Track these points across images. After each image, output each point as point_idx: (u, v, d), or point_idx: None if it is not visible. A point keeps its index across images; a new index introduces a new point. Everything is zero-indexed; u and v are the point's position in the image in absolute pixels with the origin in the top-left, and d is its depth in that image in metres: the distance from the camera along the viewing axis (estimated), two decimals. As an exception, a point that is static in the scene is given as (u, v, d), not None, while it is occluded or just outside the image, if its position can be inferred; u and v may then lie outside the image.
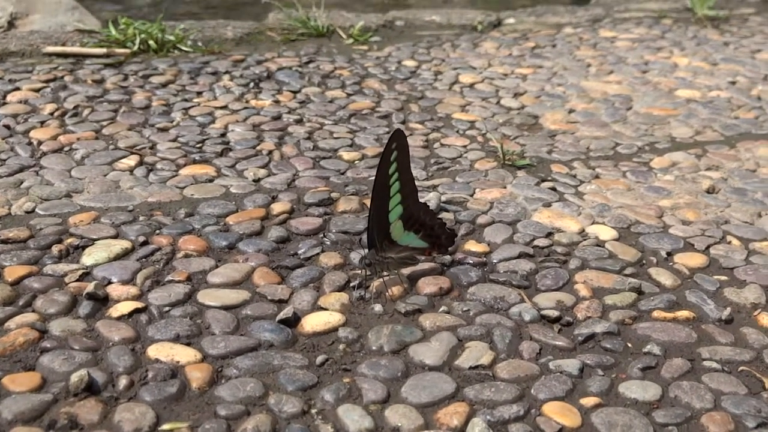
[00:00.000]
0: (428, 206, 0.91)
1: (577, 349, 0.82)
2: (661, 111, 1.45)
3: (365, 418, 0.71)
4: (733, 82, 1.62)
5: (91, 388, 0.73)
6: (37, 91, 1.45)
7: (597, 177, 1.19)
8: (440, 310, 0.87)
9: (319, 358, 0.79)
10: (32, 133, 1.28)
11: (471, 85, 1.57)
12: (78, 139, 1.26)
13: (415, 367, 0.78)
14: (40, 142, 1.25)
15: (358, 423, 0.70)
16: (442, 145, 1.29)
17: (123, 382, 0.74)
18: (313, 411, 0.72)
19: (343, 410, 0.72)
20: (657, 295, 0.90)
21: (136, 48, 1.69)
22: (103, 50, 1.66)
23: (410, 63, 1.70)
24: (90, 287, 0.86)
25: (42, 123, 1.32)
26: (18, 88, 1.45)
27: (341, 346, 0.81)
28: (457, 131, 1.35)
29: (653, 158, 1.26)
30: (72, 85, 1.48)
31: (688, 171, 1.22)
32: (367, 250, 0.88)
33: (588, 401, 0.74)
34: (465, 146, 1.29)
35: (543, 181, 1.16)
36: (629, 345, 0.82)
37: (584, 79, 1.62)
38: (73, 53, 1.66)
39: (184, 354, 0.78)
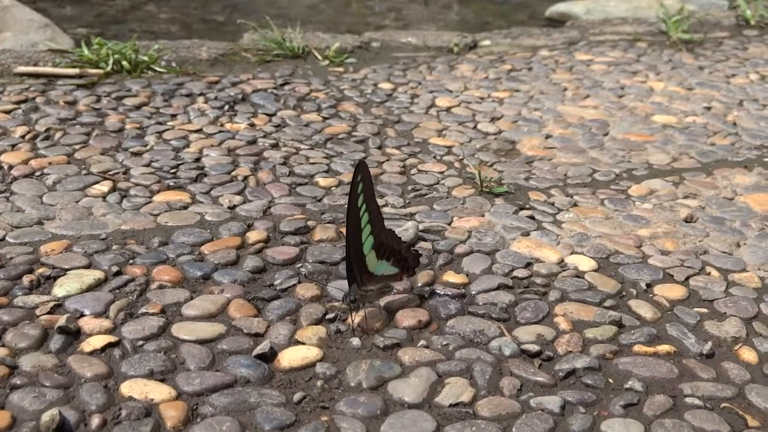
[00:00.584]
0: (393, 231, 0.90)
1: (558, 385, 0.81)
2: (638, 137, 1.45)
3: (344, 459, 0.69)
4: (709, 108, 1.62)
5: (62, 429, 0.71)
6: (8, 112, 1.43)
7: (575, 205, 1.18)
8: (419, 344, 0.85)
9: (297, 395, 0.77)
10: (2, 157, 1.26)
11: (448, 109, 1.57)
12: (50, 163, 1.24)
13: (394, 405, 0.77)
14: (11, 167, 1.22)
15: (337, 464, 0.69)
16: (419, 171, 1.29)
17: (95, 421, 0.73)
18: (291, 451, 0.70)
19: (322, 451, 0.70)
20: (637, 329, 0.89)
21: (109, 68, 1.67)
22: (76, 71, 1.64)
23: (386, 85, 1.69)
24: (62, 320, 0.84)
25: (13, 146, 1.30)
26: (-12, 110, 1.43)
27: (319, 383, 0.79)
28: (434, 157, 1.34)
29: (631, 185, 1.25)
30: (44, 107, 1.46)
31: (666, 199, 1.21)
32: (348, 287, 0.86)
33: (570, 440, 0.73)
34: (442, 172, 1.28)
35: (521, 209, 1.16)
36: (610, 381, 0.81)
37: (561, 104, 1.62)
38: (45, 73, 1.64)
39: (158, 391, 0.76)
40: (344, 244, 1.01)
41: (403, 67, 1.83)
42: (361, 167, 0.84)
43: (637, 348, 0.86)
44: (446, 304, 0.92)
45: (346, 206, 0.84)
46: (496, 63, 1.89)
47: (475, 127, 1.48)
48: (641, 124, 1.52)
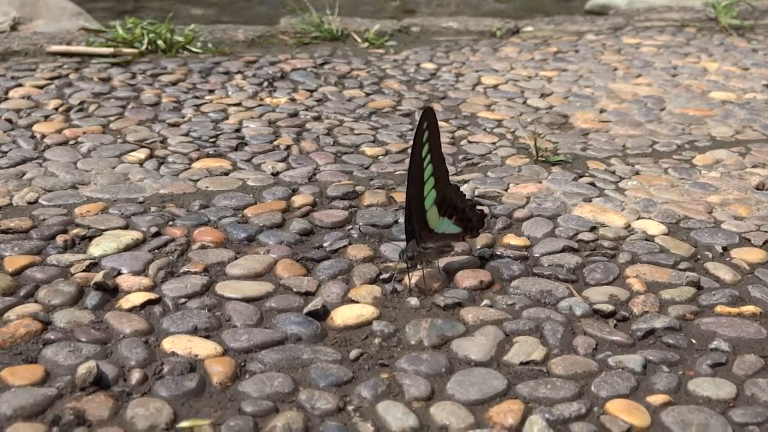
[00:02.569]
0: (457, 187, 0.83)
1: (636, 344, 0.74)
2: (697, 111, 1.38)
3: (409, 416, 0.63)
4: (768, 85, 1.55)
5: (100, 382, 0.66)
6: (40, 87, 1.38)
7: (637, 173, 1.11)
8: (482, 303, 0.79)
9: (353, 353, 0.71)
10: (35, 127, 1.20)
11: (494, 86, 1.50)
12: (84, 133, 1.19)
13: (459, 363, 0.70)
14: (43, 136, 1.17)
15: (402, 421, 0.62)
16: (470, 142, 1.22)
17: (136, 376, 0.67)
18: (350, 408, 0.64)
19: (384, 407, 0.64)
20: (718, 290, 0.82)
21: (143, 48, 1.62)
22: (110, 50, 1.59)
23: (429, 65, 1.63)
24: (98, 277, 0.78)
25: (46, 117, 1.25)
26: (21, 85, 1.39)
27: (376, 341, 0.73)
28: (484, 129, 1.28)
29: (695, 155, 1.19)
30: (77, 83, 1.41)
31: (734, 168, 1.14)
32: (406, 243, 0.80)
33: (656, 399, 0.66)
34: (494, 143, 1.22)
35: (580, 176, 1.09)
36: (693, 341, 0.74)
37: (612, 82, 1.55)
38: (79, 53, 1.59)
39: (203, 347, 0.70)
40: (396, 208, 0.95)
41: (446, 49, 1.77)
42: (427, 113, 0.78)
43: (719, 309, 0.79)
44: (509, 265, 0.85)
45: (410, 155, 0.78)
46: (540, 46, 1.83)
47: (524, 103, 1.42)
48: (699, 100, 1.45)
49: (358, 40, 1.80)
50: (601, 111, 1.38)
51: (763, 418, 0.64)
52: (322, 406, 0.64)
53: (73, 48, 1.60)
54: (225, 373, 0.67)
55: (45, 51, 1.60)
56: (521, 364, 0.70)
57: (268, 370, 0.68)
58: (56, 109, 1.28)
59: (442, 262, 0.85)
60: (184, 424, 0.62)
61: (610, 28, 2.03)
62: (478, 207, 0.85)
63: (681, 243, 0.92)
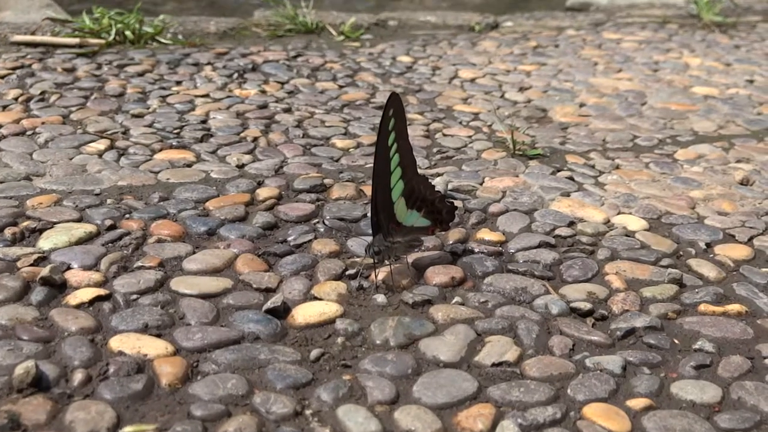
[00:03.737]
0: (426, 178, 0.79)
1: (616, 345, 0.70)
2: (679, 106, 1.34)
3: (371, 421, 0.58)
4: (751, 81, 1.51)
5: (39, 384, 0.61)
6: (1, 77, 1.32)
7: (617, 168, 1.07)
8: (453, 301, 0.74)
9: (314, 353, 0.66)
10: (-9, 117, 1.15)
11: (472, 80, 1.46)
12: (42, 123, 1.13)
13: (427, 364, 0.66)
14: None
15: (363, 426, 0.58)
16: (445, 135, 1.18)
17: (78, 376, 0.62)
18: (308, 412, 0.60)
19: (344, 411, 0.59)
20: (701, 288, 0.78)
21: (111, 39, 1.57)
22: (76, 40, 1.54)
23: (406, 59, 1.59)
24: (45, 272, 0.74)
25: (4, 107, 1.19)
26: (-20, 75, 1.33)
27: (339, 340, 0.68)
28: (460, 122, 1.23)
29: (677, 150, 1.15)
30: (40, 73, 1.36)
31: (717, 163, 1.10)
32: (372, 237, 0.75)
33: (636, 403, 0.62)
34: (470, 136, 1.17)
35: (559, 170, 1.05)
36: (676, 341, 0.70)
37: (592, 76, 1.51)
38: (43, 43, 1.54)
39: (152, 346, 0.66)
40: (366, 202, 0.90)
41: (423, 43, 1.73)
42: (393, 99, 0.73)
43: (703, 308, 0.75)
44: (482, 261, 0.81)
45: (375, 144, 0.73)
46: (520, 41, 1.79)
47: (502, 96, 1.38)
48: (680, 95, 1.41)
49: (334, 33, 1.76)
50: (581, 105, 1.34)
51: (751, 424, 0.60)
52: (278, 410, 0.59)
53: (37, 38, 1.55)
54: (175, 374, 0.63)
55: (8, 41, 1.55)
56: (493, 365, 0.66)
57: (222, 371, 0.64)
58: (16, 99, 1.23)
59: (411, 257, 0.80)
60: (127, 429, 0.57)
61: (591, 23, 2.00)
62: (448, 199, 0.80)
63: (663, 239, 0.88)
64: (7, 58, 1.43)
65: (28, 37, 1.55)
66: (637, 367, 0.66)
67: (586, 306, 0.74)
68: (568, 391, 0.63)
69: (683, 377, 0.65)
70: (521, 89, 1.41)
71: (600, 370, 0.65)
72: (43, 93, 1.26)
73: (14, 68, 1.37)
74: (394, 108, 0.73)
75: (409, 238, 0.78)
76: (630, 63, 1.62)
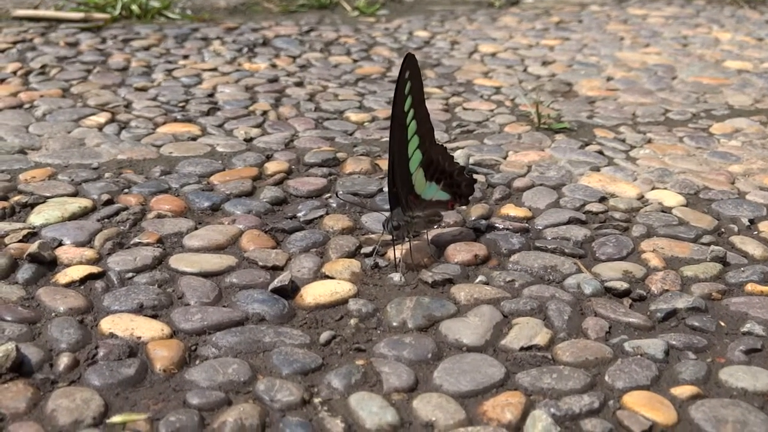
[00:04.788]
0: (444, 147, 0.72)
1: (656, 327, 0.63)
2: (711, 80, 1.27)
3: (387, 410, 0.52)
4: (786, 55, 1.44)
5: (20, 368, 0.55)
6: (1, 51, 1.27)
7: (649, 142, 1.00)
8: (477, 280, 0.68)
9: (324, 335, 0.60)
10: (-12, 90, 1.09)
11: (492, 54, 1.40)
12: (41, 96, 1.08)
13: (449, 348, 0.60)
14: (-5, 99, 1.06)
15: (378, 416, 0.52)
16: (465, 109, 1.11)
17: (64, 361, 0.56)
18: (317, 400, 0.53)
19: (357, 400, 0.53)
20: (747, 267, 0.72)
21: (117, 13, 1.51)
22: (80, 15, 1.48)
23: (423, 33, 1.52)
24: (33, 248, 0.68)
25: (2, 81, 1.13)
26: (-21, 49, 1.27)
27: (352, 321, 0.62)
28: (481, 96, 1.17)
29: (712, 124, 1.08)
30: (42, 47, 1.30)
31: (756, 137, 1.03)
32: (390, 211, 0.69)
33: (682, 391, 0.55)
34: (491, 110, 1.11)
35: (587, 144, 0.98)
36: (722, 323, 0.64)
37: (618, 51, 1.44)
38: (47, 17, 1.48)
39: (147, 328, 0.60)
40: (381, 176, 0.84)
41: (441, 18, 1.66)
42: (409, 61, 0.67)
43: (750, 287, 0.69)
44: (507, 238, 0.74)
45: (391, 109, 0.67)
46: (542, 16, 1.72)
47: (525, 70, 1.31)
48: (712, 69, 1.34)
49: (348, 8, 1.69)
50: (608, 79, 1.27)
51: (811, 414, 0.54)
52: (284, 398, 0.53)
53: (40, 12, 1.49)
54: (170, 359, 0.57)
55: (10, 16, 1.49)
56: (522, 349, 0.59)
57: (223, 355, 0.58)
58: (14, 72, 1.17)
59: (431, 233, 0.74)
60: (115, 419, 0.51)
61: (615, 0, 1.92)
62: (468, 172, 0.74)
63: (702, 215, 0.81)
64: (8, 32, 1.38)
65: (31, 12, 1.49)
66: (680, 352, 0.60)
67: (622, 285, 0.67)
68: (606, 377, 0.57)
69: (732, 363, 0.59)
70: (545, 63, 1.34)
71: (640, 355, 0.59)
72: (43, 66, 1.20)
73: (15, 42, 1.32)
74: (410, 70, 0.67)
75: (428, 213, 0.72)
76: (658, 38, 1.55)
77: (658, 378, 0.57)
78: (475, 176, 0.75)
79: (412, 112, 0.68)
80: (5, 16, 1.49)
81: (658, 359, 0.59)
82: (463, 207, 0.77)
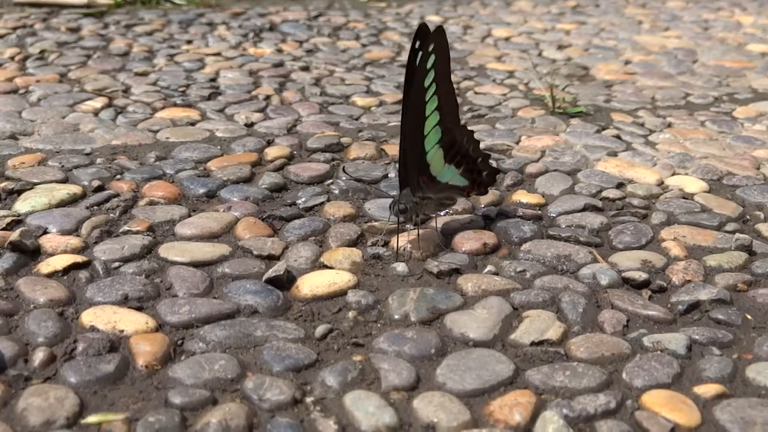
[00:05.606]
0: (471, 132, 0.68)
1: (678, 320, 0.59)
2: (734, 63, 1.22)
3: (384, 411, 0.48)
4: (811, 38, 1.39)
5: (-8, 364, 0.51)
6: (0, 37, 1.23)
7: (669, 126, 0.96)
8: (485, 270, 0.64)
9: (320, 329, 0.56)
10: (-17, 75, 1.05)
11: (506, 39, 1.35)
12: (37, 81, 1.04)
13: (454, 343, 0.55)
14: (-10, 84, 1.03)
15: (374, 417, 0.47)
16: (477, 93, 1.07)
17: (40, 355, 0.52)
18: (309, 399, 0.49)
19: (353, 399, 0.49)
20: (774, 256, 0.67)
21: (121, -1, 1.47)
22: (84, 0, 1.44)
23: (435, 18, 1.48)
24: (14, 236, 0.64)
25: (-2, 66, 1.10)
26: (-23, 34, 1.24)
27: (351, 314, 0.58)
28: (494, 80, 1.13)
29: (735, 108, 1.03)
30: (42, 32, 1.26)
31: (782, 121, 0.98)
32: (399, 192, 0.64)
33: (706, 390, 0.51)
34: (504, 94, 1.06)
35: (604, 129, 0.94)
36: (749, 317, 0.59)
37: (637, 34, 1.39)
38: (50, 3, 1.45)
39: (130, 321, 0.56)
40: (387, 162, 0.80)
41: (454, 3, 1.62)
42: (435, 34, 0.62)
43: (778, 278, 0.64)
44: (519, 225, 0.70)
45: (405, 84, 0.62)
46: (557, 0, 1.67)
47: (539, 54, 1.26)
48: (735, 53, 1.29)
49: (358, -7, 1.65)
50: (626, 63, 1.22)
51: None
52: (273, 397, 0.49)
53: (42, -2, 1.45)
54: (154, 354, 0.53)
55: (12, 2, 1.45)
56: (533, 344, 0.55)
57: (211, 350, 0.54)
58: (12, 58, 1.14)
59: (439, 221, 0.69)
60: (90, 419, 0.47)
61: (634, -16, 1.87)
62: (491, 160, 0.69)
63: (726, 202, 0.77)
64: (9, 18, 1.34)
65: (33, -3, 1.45)
66: (704, 347, 0.56)
67: (641, 276, 0.63)
68: (623, 375, 0.52)
69: (760, 359, 0.55)
70: (560, 47, 1.30)
71: (660, 351, 0.55)
72: (42, 52, 1.16)
73: (15, 28, 1.28)
74: (437, 43, 0.62)
75: (441, 196, 0.67)
76: (677, 21, 1.49)
77: (680, 376, 0.53)
78: (497, 165, 0.70)
79: (434, 87, 0.63)
80: (7, 2, 1.45)
81: (680, 355, 0.54)
82: (479, 196, 0.72)
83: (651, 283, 0.63)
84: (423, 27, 0.62)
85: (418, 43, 0.61)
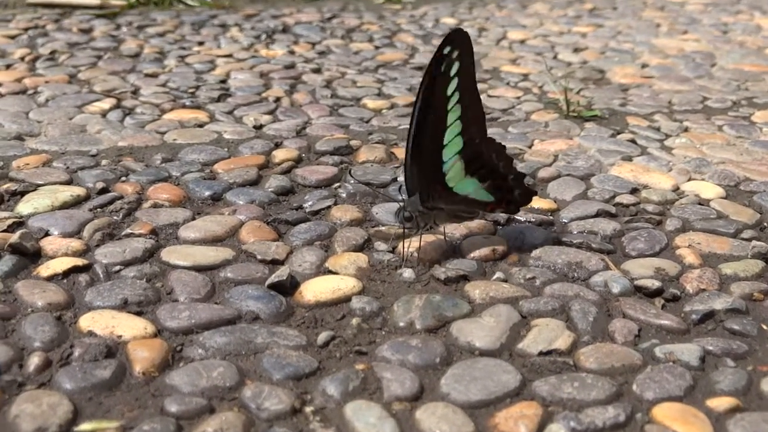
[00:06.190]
0: (503, 146, 0.65)
1: (691, 331, 0.57)
2: (753, 67, 1.20)
3: (385, 422, 0.47)
4: (833, 43, 1.36)
5: (-15, 369, 0.50)
6: (12, 37, 1.23)
7: (686, 130, 0.94)
8: (494, 277, 0.62)
9: (322, 336, 0.54)
10: (-8, 76, 1.05)
11: (521, 41, 1.33)
12: (46, 82, 1.03)
13: (460, 351, 0.54)
14: (-1, 84, 1.02)
15: (375, 428, 0.46)
16: (490, 96, 1.05)
17: (35, 361, 0.51)
18: (308, 409, 0.48)
19: (354, 409, 0.48)
20: (793, 264, 0.65)
21: (134, 0, 1.46)
22: (97, 1, 1.44)
23: (450, 20, 1.46)
24: (14, 238, 0.63)
25: (8, 66, 1.09)
26: (-11, 34, 1.23)
27: (355, 321, 0.56)
28: (507, 83, 1.11)
29: (754, 112, 1.01)
30: (54, 33, 1.26)
31: (802, 126, 0.96)
32: (407, 198, 0.63)
33: (719, 403, 0.49)
34: (518, 97, 1.05)
35: (619, 133, 0.92)
36: (765, 327, 0.57)
37: (655, 37, 1.37)
38: (62, 4, 1.44)
39: (129, 326, 0.54)
40: (397, 165, 0.78)
41: (469, 5, 1.60)
42: (458, 36, 0.60)
43: (796, 287, 0.62)
44: (530, 231, 0.68)
45: (420, 89, 0.60)
46: (575, 3, 1.65)
47: (555, 57, 1.25)
48: (754, 56, 1.27)
49: (373, -5, 1.64)
50: (643, 66, 1.21)
51: None
52: (272, 406, 0.48)
53: (55, -1, 1.45)
54: (151, 360, 0.51)
55: (25, 2, 1.45)
56: (540, 354, 0.53)
57: (210, 356, 0.52)
58: (22, 58, 1.13)
59: (449, 227, 0.68)
60: (83, 426, 0.46)
61: (652, -13, 1.85)
62: (527, 181, 0.67)
63: (743, 208, 0.75)
64: (21, 18, 1.34)
65: (46, -2, 1.45)
66: (718, 358, 0.54)
67: (654, 284, 0.61)
68: (634, 387, 0.51)
69: (777, 371, 0.53)
70: (576, 50, 1.28)
71: (673, 362, 0.53)
72: (53, 52, 1.16)
73: (26, 29, 1.28)
74: (461, 49, 0.60)
75: (455, 208, 0.65)
76: (696, 24, 1.47)
77: (693, 388, 0.51)
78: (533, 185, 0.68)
79: (457, 95, 0.61)
80: (20, 2, 1.45)
81: (693, 366, 0.53)
82: (507, 215, 0.70)
83: (664, 292, 0.61)
84: (460, 32, 0.60)
85: (446, 49, 0.59)
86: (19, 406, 0.47)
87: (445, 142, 0.62)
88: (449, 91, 0.60)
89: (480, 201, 0.65)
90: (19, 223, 0.68)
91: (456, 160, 0.63)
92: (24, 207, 0.70)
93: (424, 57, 1.20)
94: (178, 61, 1.14)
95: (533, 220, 0.71)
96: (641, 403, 0.49)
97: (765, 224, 0.72)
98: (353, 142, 0.86)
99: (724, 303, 0.59)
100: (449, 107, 0.61)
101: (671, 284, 0.62)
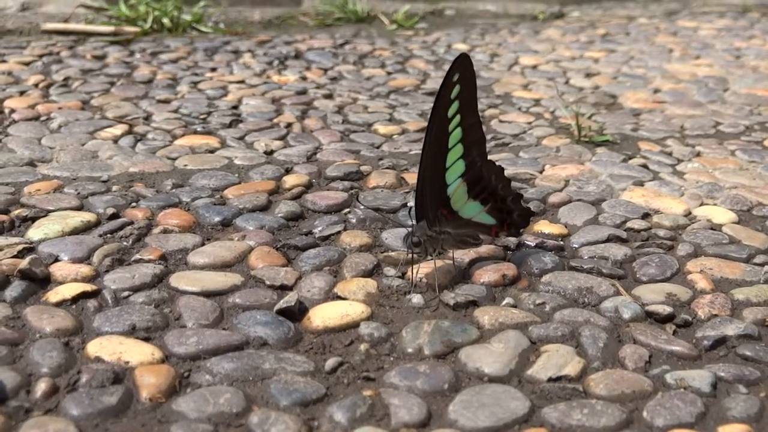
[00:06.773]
0: (501, 168, 0.65)
1: (703, 357, 0.56)
2: (766, 92, 1.20)
3: (393, 448, 0.46)
4: None
5: (-8, 395, 0.50)
6: (26, 64, 1.24)
7: (698, 155, 0.94)
8: (503, 303, 0.62)
9: (330, 362, 0.54)
10: (6, 102, 1.06)
11: (533, 67, 1.33)
12: (59, 108, 1.04)
13: (468, 378, 0.53)
14: (12, 111, 1.02)
15: (382, 455, 0.46)
16: (501, 121, 1.05)
17: (42, 387, 0.51)
18: (315, 436, 0.47)
19: (361, 435, 0.47)
20: (806, 290, 0.64)
21: (148, 27, 1.47)
22: (111, 28, 1.45)
23: (462, 46, 1.46)
24: (24, 263, 0.63)
25: (22, 93, 1.10)
26: (4, 61, 1.24)
27: (363, 347, 0.56)
28: (519, 108, 1.11)
29: (767, 137, 1.01)
30: (68, 60, 1.26)
31: (815, 151, 0.96)
32: (413, 224, 0.63)
33: (731, 430, 0.49)
34: (529, 123, 1.05)
35: (631, 158, 0.92)
36: (778, 353, 0.57)
37: (667, 63, 1.37)
38: (76, 31, 1.45)
39: (136, 352, 0.54)
40: (407, 191, 0.78)
41: (481, 31, 1.61)
42: (461, 62, 0.60)
43: (809, 313, 0.61)
44: (539, 257, 0.68)
45: (431, 112, 0.61)
46: (587, 29, 1.66)
47: (566, 83, 1.25)
48: (767, 81, 1.27)
49: (386, 21, 1.64)
50: (655, 91, 1.20)
51: None
52: (278, 433, 0.47)
53: (70, 26, 1.46)
54: (158, 386, 0.51)
55: (40, 30, 1.46)
56: (550, 380, 0.53)
57: (217, 382, 0.52)
58: (36, 85, 1.14)
59: (458, 252, 0.67)
60: (89, 453, 0.46)
61: (665, 13, 1.85)
62: (524, 201, 0.67)
63: (755, 233, 0.74)
64: (36, 45, 1.35)
65: (60, 25, 1.46)
66: (730, 385, 0.53)
67: (665, 310, 0.61)
68: (644, 413, 0.50)
69: (790, 398, 0.52)
70: (588, 75, 1.28)
71: (684, 388, 0.52)
72: (66, 79, 1.16)
73: (41, 55, 1.29)
74: (461, 72, 0.61)
75: (461, 232, 0.65)
76: (709, 50, 1.47)
77: (704, 415, 0.50)
78: (530, 206, 0.68)
79: (458, 118, 0.62)
80: (35, 30, 1.46)
81: (705, 393, 0.52)
82: (509, 237, 0.70)
83: (675, 317, 0.60)
84: (463, 57, 0.60)
85: (455, 75, 0.60)
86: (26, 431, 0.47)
87: (447, 165, 0.62)
88: (450, 114, 0.61)
89: (484, 224, 0.65)
90: (30, 249, 0.68)
91: (459, 183, 0.63)
92: (34, 233, 0.71)
93: (435, 83, 1.21)
94: (190, 87, 1.15)
95: (544, 245, 0.70)
96: (652, 430, 0.49)
97: (778, 249, 0.72)
98: (364, 168, 0.86)
99: (736, 329, 0.59)
100: (451, 129, 0.61)
101: (683, 310, 0.62)
